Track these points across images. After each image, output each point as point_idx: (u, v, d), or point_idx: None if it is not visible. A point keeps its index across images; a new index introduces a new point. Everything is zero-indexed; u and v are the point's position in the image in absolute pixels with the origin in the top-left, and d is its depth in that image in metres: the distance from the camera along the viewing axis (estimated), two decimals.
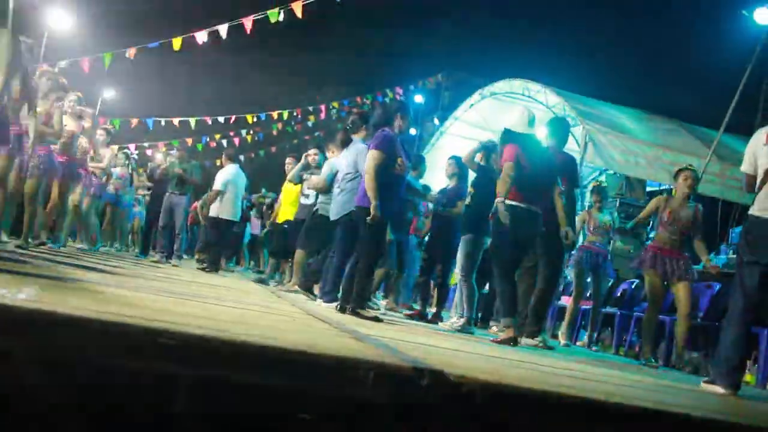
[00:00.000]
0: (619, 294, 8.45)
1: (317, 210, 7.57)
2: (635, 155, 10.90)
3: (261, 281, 9.15)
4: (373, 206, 5.25)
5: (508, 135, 5.55)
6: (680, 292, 6.03)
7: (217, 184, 10.18)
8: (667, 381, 4.39)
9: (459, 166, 7.22)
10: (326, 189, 7.24)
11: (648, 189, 13.31)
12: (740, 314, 3.98)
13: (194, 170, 10.62)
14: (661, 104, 13.32)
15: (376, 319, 5.06)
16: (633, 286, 8.26)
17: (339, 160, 6.83)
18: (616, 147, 10.91)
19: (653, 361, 6.06)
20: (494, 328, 7.06)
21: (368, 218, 5.24)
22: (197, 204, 12.05)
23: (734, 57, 10.94)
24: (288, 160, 9.64)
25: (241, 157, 21.34)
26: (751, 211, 4.10)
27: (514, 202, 5.25)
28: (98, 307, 2.21)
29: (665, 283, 6.10)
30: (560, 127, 6.19)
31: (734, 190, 10.66)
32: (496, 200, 5.23)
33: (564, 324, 7.65)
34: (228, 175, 10.17)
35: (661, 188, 12.54)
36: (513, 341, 5.08)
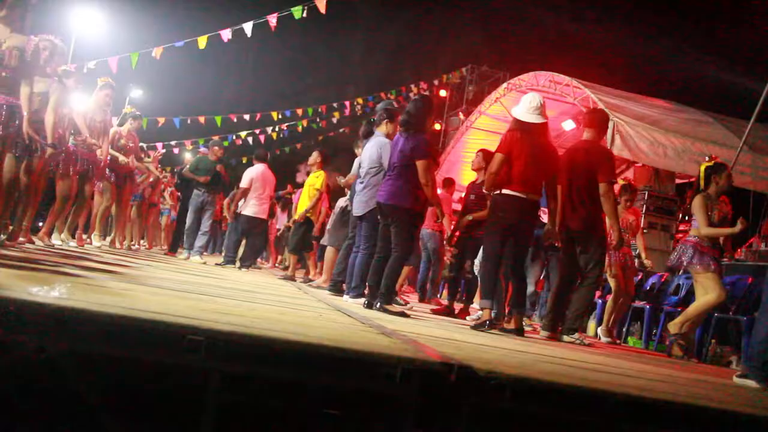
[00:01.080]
0: (648, 287, 8.34)
1: (347, 206, 7.59)
2: (664, 147, 10.74)
3: (287, 278, 9.20)
4: (446, 223, 5.40)
5: (514, 123, 5.49)
6: None
7: (243, 182, 10.29)
8: (699, 375, 4.33)
9: (486, 161, 7.16)
10: None
11: (677, 181, 13.12)
12: None
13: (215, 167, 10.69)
14: (692, 95, 13.13)
15: (403, 315, 5.07)
16: (662, 280, 8.16)
17: (362, 153, 6.83)
18: (644, 139, 10.76)
19: (683, 355, 5.95)
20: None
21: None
22: (225, 201, 12.14)
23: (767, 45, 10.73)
24: (314, 155, 9.63)
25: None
26: None
27: (510, 192, 5.20)
28: (128, 304, 2.24)
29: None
30: (597, 119, 6.07)
31: (766, 181, 10.47)
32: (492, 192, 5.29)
33: (604, 321, 7.62)
34: (253, 173, 10.26)
35: (691, 180, 12.35)
36: (489, 325, 5.06)
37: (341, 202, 8.37)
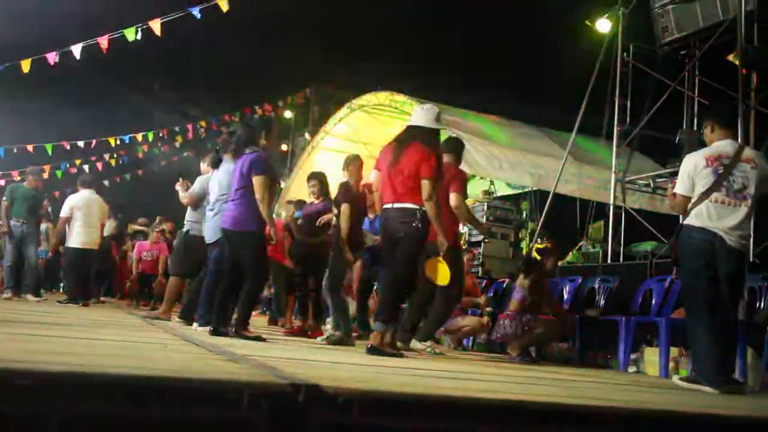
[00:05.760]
0: (491, 294, 8.76)
1: (188, 231, 7.37)
2: (499, 160, 11.33)
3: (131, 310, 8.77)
4: (270, 231, 5.42)
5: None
6: None
7: (64, 211, 9.48)
8: (547, 374, 4.61)
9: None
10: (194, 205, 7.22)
11: (512, 192, 13.94)
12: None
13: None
14: (521, 110, 13.97)
15: (259, 339, 5.02)
16: (504, 285, 8.60)
17: (211, 181, 6.69)
18: (480, 153, 11.28)
19: (528, 356, 6.29)
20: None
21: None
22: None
23: (582, 64, 11.63)
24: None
25: (106, 182, 20.44)
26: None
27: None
28: None
29: None
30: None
31: (589, 189, 11.35)
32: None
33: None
34: (75, 201, 9.51)
35: (525, 190, 13.17)
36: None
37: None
